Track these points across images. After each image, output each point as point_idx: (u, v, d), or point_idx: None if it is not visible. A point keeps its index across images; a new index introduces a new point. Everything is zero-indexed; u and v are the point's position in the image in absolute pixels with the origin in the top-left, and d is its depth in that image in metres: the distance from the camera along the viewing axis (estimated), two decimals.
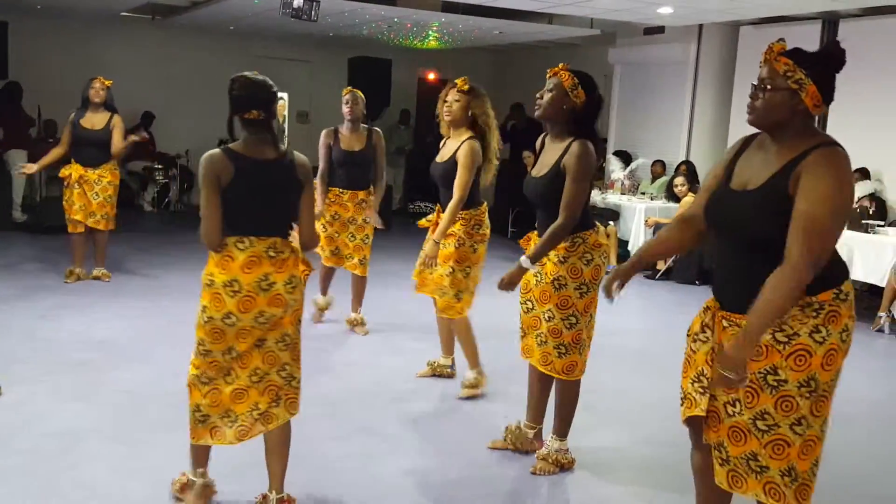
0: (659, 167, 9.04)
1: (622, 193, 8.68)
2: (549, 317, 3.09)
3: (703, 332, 2.27)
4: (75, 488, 2.95)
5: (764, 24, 8.25)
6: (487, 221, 4.04)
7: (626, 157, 9.28)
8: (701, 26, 8.74)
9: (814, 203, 1.99)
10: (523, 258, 3.04)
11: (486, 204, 4.07)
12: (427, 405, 4.01)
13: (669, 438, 2.42)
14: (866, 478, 3.41)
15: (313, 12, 6.68)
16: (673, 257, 7.67)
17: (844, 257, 6.82)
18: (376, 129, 5.06)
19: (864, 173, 7.34)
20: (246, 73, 2.62)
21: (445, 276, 3.94)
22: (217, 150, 2.56)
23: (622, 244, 8.08)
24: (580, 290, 3.07)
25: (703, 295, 2.34)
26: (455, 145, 3.94)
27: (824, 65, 2.10)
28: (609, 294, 2.50)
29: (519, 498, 3.07)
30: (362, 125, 4.99)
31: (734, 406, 2.16)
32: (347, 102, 4.94)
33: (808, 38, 7.81)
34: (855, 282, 6.81)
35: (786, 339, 2.08)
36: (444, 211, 4.02)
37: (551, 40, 10.35)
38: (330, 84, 11.36)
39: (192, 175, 10.96)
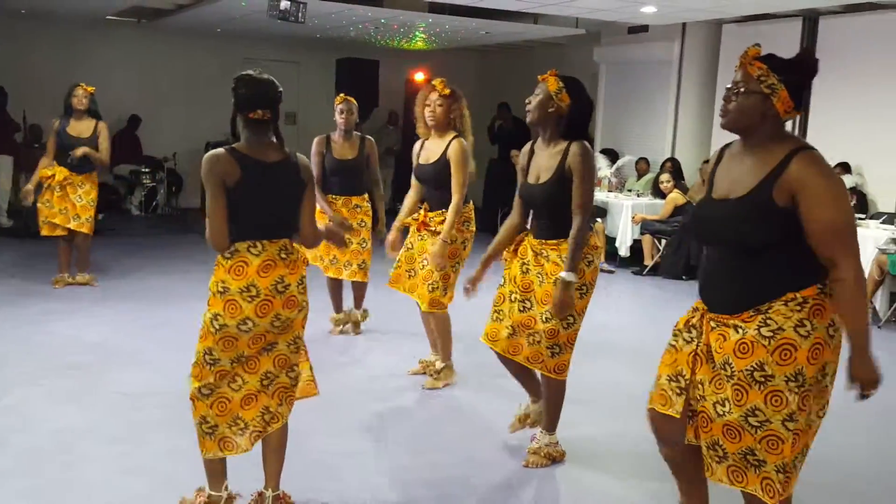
0: (644, 164, 9.14)
1: (609, 191, 8.77)
2: (546, 318, 3.12)
3: (689, 331, 2.31)
4: (73, 488, 2.98)
5: (746, 21, 8.36)
6: (473, 220, 4.12)
7: (612, 155, 9.37)
8: (684, 25, 8.84)
9: (831, 211, 2.07)
10: (564, 274, 3.00)
11: (472, 202, 4.15)
12: (418, 402, 4.06)
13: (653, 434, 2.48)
14: (852, 467, 3.48)
15: (300, 14, 6.72)
16: (660, 252, 7.77)
17: None
18: (368, 137, 5.05)
19: (845, 168, 7.46)
20: (251, 72, 2.57)
21: (437, 271, 3.99)
22: (221, 151, 2.50)
23: (610, 241, 8.16)
24: (581, 290, 3.12)
25: (690, 289, 2.41)
26: (440, 146, 4.00)
27: (797, 71, 2.17)
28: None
29: (512, 491, 3.12)
30: (355, 133, 4.99)
31: (724, 406, 2.20)
32: (342, 112, 4.90)
33: (789, 36, 7.93)
34: None
35: (770, 334, 2.12)
36: (431, 210, 4.08)
37: (537, 40, 10.44)
38: (318, 86, 11.41)
39: (180, 178, 10.95)
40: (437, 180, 4.02)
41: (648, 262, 7.87)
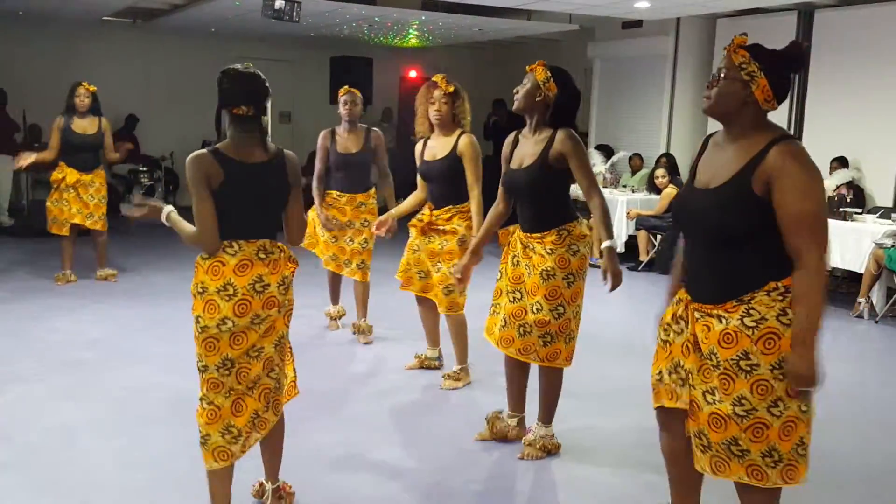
0: (637, 160, 9.17)
1: (604, 187, 8.79)
2: (536, 308, 3.16)
3: (677, 323, 2.34)
4: (75, 481, 3.02)
5: (740, 16, 8.39)
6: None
7: (607, 151, 9.40)
8: (678, 20, 8.87)
9: (802, 201, 2.08)
10: (608, 242, 3.05)
11: None
12: (415, 396, 4.10)
13: (652, 423, 2.50)
14: (848, 460, 3.51)
15: (295, 13, 6.74)
16: (655, 248, 7.81)
17: None
18: (375, 129, 4.89)
19: (842, 162, 7.48)
20: (237, 66, 2.51)
21: (451, 275, 3.98)
22: (204, 152, 2.44)
23: None
24: (567, 279, 3.17)
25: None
26: (448, 142, 3.99)
27: (780, 62, 2.19)
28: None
29: (507, 482, 3.17)
30: (361, 125, 4.86)
31: (713, 395, 2.23)
32: (346, 103, 4.79)
33: (784, 30, 7.96)
34: (835, 269, 6.98)
35: (754, 324, 2.14)
36: (437, 208, 4.07)
37: (531, 36, 10.46)
38: (312, 84, 11.44)
39: (177, 177, 10.98)
40: (445, 176, 4.00)
41: (644, 258, 7.91)
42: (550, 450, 3.34)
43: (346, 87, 4.90)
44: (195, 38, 10.93)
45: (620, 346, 5.13)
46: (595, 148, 9.54)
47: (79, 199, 6.14)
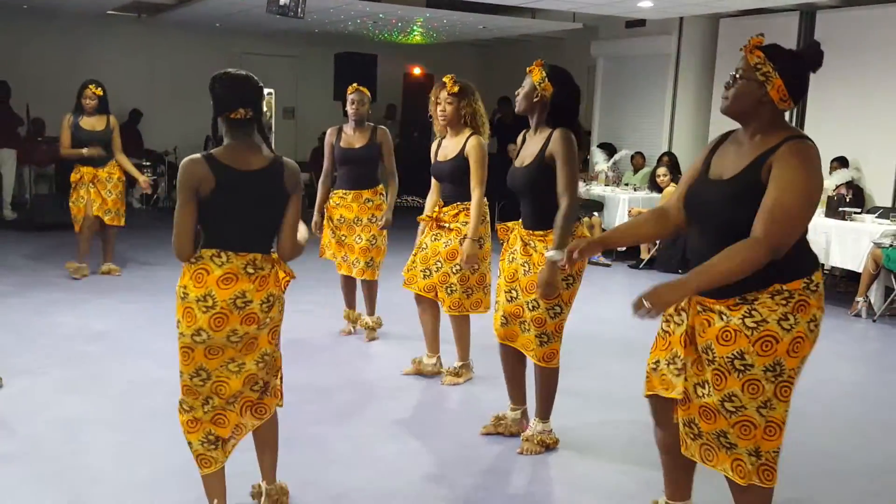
0: (639, 158, 9.20)
1: (606, 185, 8.83)
2: (532, 306, 3.20)
3: (679, 314, 2.36)
4: (79, 472, 3.06)
5: (743, 16, 8.40)
6: (488, 214, 4.10)
7: (610, 149, 9.43)
8: (681, 19, 8.88)
9: (782, 189, 2.10)
10: (550, 253, 3.01)
11: (485, 197, 4.13)
12: (416, 393, 4.14)
13: (651, 420, 2.55)
14: (846, 458, 3.54)
15: (299, 9, 6.76)
16: (657, 246, 7.83)
17: (822, 244, 6.98)
18: (382, 127, 4.81)
19: (842, 162, 7.51)
20: (228, 70, 2.46)
21: (452, 274, 4.01)
22: (198, 157, 2.38)
23: None
24: (567, 280, 3.19)
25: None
26: (458, 143, 4.01)
27: (796, 63, 2.22)
28: (569, 260, 2.47)
29: (505, 476, 3.20)
30: (368, 123, 4.80)
31: (703, 388, 2.27)
32: (353, 103, 4.72)
33: (787, 30, 7.98)
34: (833, 268, 7.00)
35: (754, 325, 2.16)
36: (447, 205, 4.10)
37: (535, 34, 10.48)
38: (316, 80, 11.47)
39: None
40: (452, 177, 4.03)
41: (645, 256, 7.94)
42: (549, 445, 3.38)
43: (354, 84, 4.84)
44: (200, 34, 10.97)
45: (620, 344, 5.16)
46: (598, 146, 9.58)
47: (98, 195, 6.24)
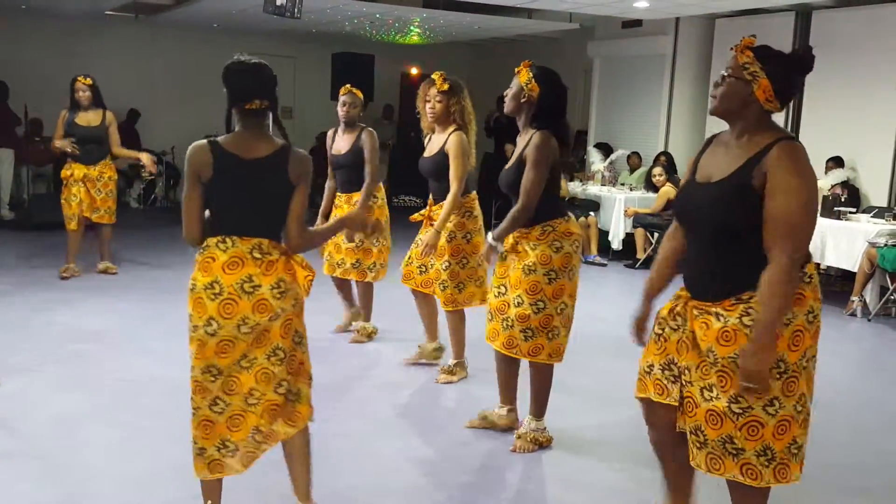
0: (635, 158, 9.22)
1: (602, 185, 8.85)
2: (518, 302, 3.23)
3: (675, 319, 2.36)
4: (75, 469, 3.08)
5: (739, 16, 8.43)
6: (478, 209, 4.14)
7: (606, 149, 9.44)
8: (678, 19, 8.91)
9: (787, 201, 2.11)
10: (488, 235, 3.29)
11: (475, 192, 4.16)
12: (413, 390, 4.16)
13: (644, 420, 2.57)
14: (839, 455, 3.56)
15: (296, 9, 6.78)
16: (652, 245, 7.86)
17: (817, 243, 6.98)
18: (368, 129, 4.73)
19: (837, 162, 7.53)
20: (239, 58, 2.40)
21: (443, 271, 4.05)
22: (202, 142, 2.38)
23: (602, 234, 8.25)
24: (549, 276, 3.21)
25: (681, 282, 2.46)
26: (442, 139, 4.05)
27: (785, 65, 2.22)
28: (640, 340, 2.54)
29: (498, 474, 3.23)
30: (359, 125, 4.75)
31: (711, 391, 2.25)
32: (344, 104, 4.68)
33: (782, 30, 8.00)
34: (829, 267, 7.03)
35: (752, 323, 2.16)
36: (435, 203, 4.14)
37: (532, 34, 10.50)
38: (313, 80, 11.48)
39: (178, 171, 11.03)
40: (434, 173, 4.08)
41: (641, 256, 7.96)
42: (542, 443, 3.40)
43: (347, 86, 4.81)
44: (197, 34, 10.98)
45: (617, 344, 5.16)
46: (594, 146, 9.60)
47: (87, 195, 6.21)
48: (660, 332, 2.42)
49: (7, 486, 2.94)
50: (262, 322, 2.37)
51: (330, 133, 4.88)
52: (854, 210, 6.88)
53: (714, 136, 2.41)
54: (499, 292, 3.31)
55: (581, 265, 3.34)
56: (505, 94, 3.27)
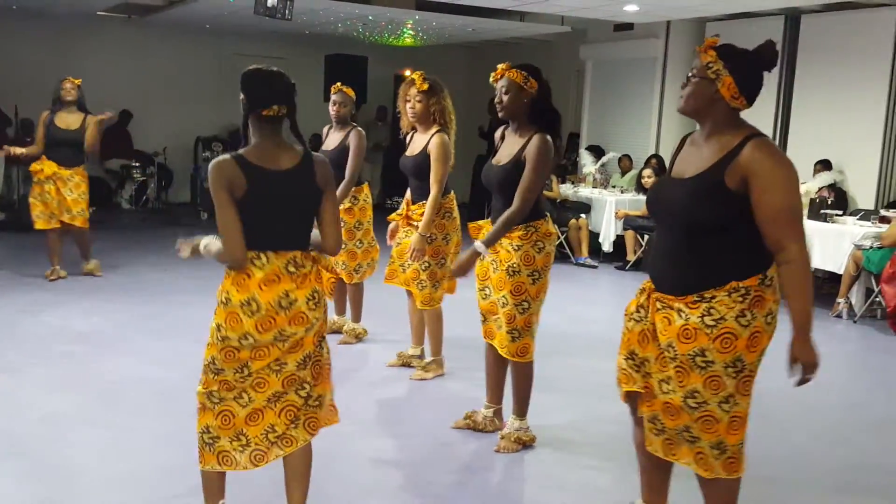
0: (626, 161, 9.26)
1: (594, 187, 8.88)
2: (503, 303, 3.25)
3: (638, 311, 2.42)
4: (61, 469, 3.10)
5: (729, 20, 8.48)
6: (457, 210, 4.18)
7: (598, 152, 9.48)
8: (668, 23, 8.96)
9: (783, 196, 2.17)
10: (477, 243, 3.16)
11: (452, 192, 4.19)
12: (396, 390, 4.19)
13: (630, 419, 2.59)
14: (824, 460, 3.59)
15: (287, 11, 6.79)
16: (643, 247, 7.89)
17: None
18: (357, 129, 4.70)
19: (825, 165, 7.58)
20: (258, 66, 2.39)
21: (422, 271, 4.08)
22: (227, 158, 2.29)
23: (593, 236, 8.28)
24: (532, 276, 3.23)
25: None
26: (424, 139, 4.08)
27: (748, 62, 2.26)
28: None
29: (481, 474, 3.25)
30: (352, 124, 4.73)
31: (668, 384, 2.32)
32: (335, 103, 4.68)
33: (771, 34, 7.95)
34: (816, 269, 7.08)
35: (713, 323, 2.22)
36: (414, 203, 4.18)
37: (524, 37, 10.53)
38: (307, 82, 11.42)
39: (170, 173, 11.04)
40: (416, 173, 4.11)
41: (631, 258, 8.00)
42: (526, 442, 3.42)
43: (337, 84, 4.79)
44: (190, 35, 10.98)
45: (604, 343, 5.17)
46: (586, 148, 9.64)
47: (58, 194, 6.08)
48: (627, 325, 2.48)
49: None
50: (300, 332, 2.38)
51: (325, 130, 4.89)
52: (841, 213, 6.93)
53: (688, 135, 2.45)
54: (484, 294, 3.34)
55: (552, 261, 3.33)
56: (496, 101, 3.21)
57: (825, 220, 6.66)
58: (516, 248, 3.23)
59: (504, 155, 3.29)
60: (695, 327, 2.25)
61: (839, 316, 6.26)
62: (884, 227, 6.21)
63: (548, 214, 3.33)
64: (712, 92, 2.26)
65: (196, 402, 2.46)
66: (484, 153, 10.23)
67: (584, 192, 8.65)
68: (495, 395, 3.56)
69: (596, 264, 8.08)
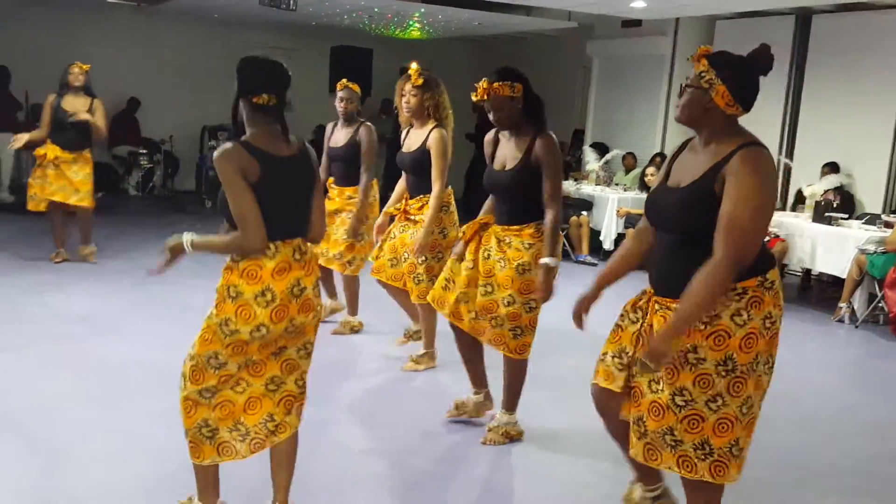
0: (630, 159, 9.22)
1: (597, 184, 8.86)
2: (508, 301, 3.24)
3: (635, 312, 2.43)
4: (52, 445, 3.14)
5: (739, 18, 8.43)
6: (454, 204, 4.17)
7: (602, 149, 9.44)
8: (678, 20, 8.91)
9: (735, 204, 2.15)
10: (546, 259, 3.14)
11: (450, 187, 4.19)
12: (385, 381, 4.21)
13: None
14: (824, 466, 3.56)
15: (292, 2, 6.80)
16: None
17: (807, 249, 6.97)
18: (367, 124, 4.71)
19: (833, 167, 7.52)
20: (257, 54, 2.39)
21: (419, 265, 4.09)
22: (234, 145, 2.27)
23: (594, 234, 8.25)
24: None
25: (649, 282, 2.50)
26: (421, 135, 4.08)
27: (740, 69, 2.25)
28: (580, 324, 2.65)
29: (467, 465, 3.26)
30: (359, 120, 4.74)
31: (658, 384, 2.31)
32: (341, 100, 4.68)
33: (782, 33, 8.00)
34: (822, 273, 7.04)
35: (707, 320, 2.22)
36: (411, 198, 4.18)
37: (531, 32, 10.50)
38: (312, 73, 11.47)
39: (177, 160, 11.09)
40: (414, 168, 4.12)
41: None
42: (513, 436, 3.43)
43: (343, 81, 4.78)
44: (198, 24, 11.02)
45: (601, 343, 5.20)
46: (590, 146, 9.60)
47: (62, 176, 6.08)
48: (620, 322, 2.49)
49: None
50: (307, 320, 2.41)
51: (329, 126, 4.89)
52: (847, 216, 6.87)
53: (688, 141, 2.45)
54: (486, 291, 3.31)
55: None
56: (491, 118, 3.20)
57: (829, 224, 6.61)
58: (527, 246, 3.22)
59: (508, 158, 3.27)
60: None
61: (841, 320, 6.20)
62: (888, 232, 6.16)
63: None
64: (706, 101, 2.25)
65: (179, 406, 2.40)
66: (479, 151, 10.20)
67: (587, 189, 8.62)
68: (478, 380, 3.57)
69: (596, 262, 8.06)
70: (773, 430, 3.76)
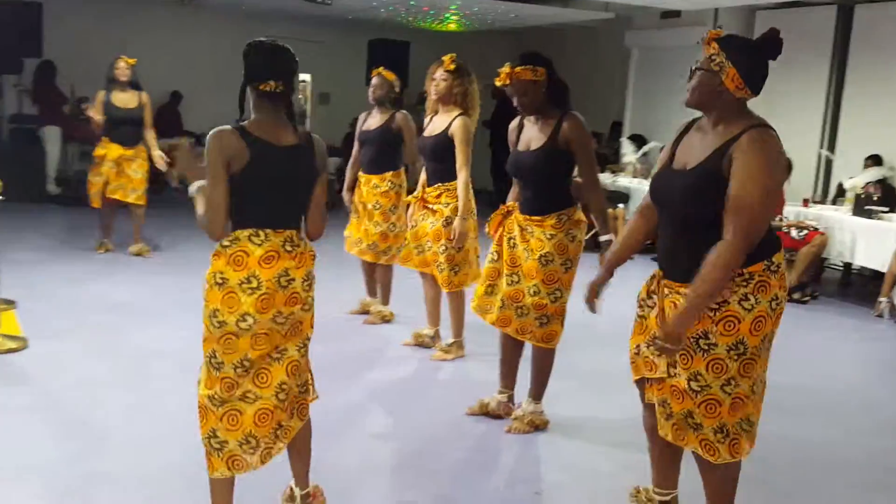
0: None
1: (634, 176, 8.79)
2: (534, 291, 3.27)
3: (650, 297, 2.46)
4: (90, 427, 3.28)
5: (779, 9, 8.26)
6: (471, 192, 4.14)
7: (640, 141, 9.35)
8: (717, 10, 8.76)
9: (743, 184, 2.16)
10: (606, 237, 3.21)
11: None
12: (409, 369, 4.27)
13: (640, 403, 2.62)
14: (832, 453, 3.55)
15: None
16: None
17: (847, 242, 6.82)
18: (402, 111, 4.72)
19: (876, 160, 7.34)
20: (263, 39, 2.33)
21: (440, 254, 4.13)
22: (228, 129, 2.24)
23: None
24: (565, 265, 3.26)
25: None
26: (445, 121, 4.10)
27: (750, 52, 2.26)
28: (593, 308, 2.69)
29: (491, 454, 3.30)
30: (392, 108, 4.75)
31: (675, 367, 2.35)
32: (372, 86, 4.74)
33: (823, 24, 7.82)
34: (863, 267, 6.88)
35: (716, 306, 2.25)
36: (429, 185, 4.20)
37: (568, 24, 10.43)
38: (350, 66, 11.58)
39: None
40: (433, 154, 4.12)
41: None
42: (538, 425, 3.46)
43: (378, 68, 4.84)
44: (237, 18, 11.18)
45: (620, 332, 5.18)
46: (628, 137, 9.52)
47: (122, 174, 6.28)
48: (641, 313, 2.50)
49: (26, 437, 3.15)
50: (296, 312, 2.35)
51: (362, 116, 4.93)
52: (888, 209, 6.71)
53: (692, 122, 2.44)
54: (511, 280, 3.33)
55: (581, 250, 3.36)
56: (515, 103, 3.22)
57: (870, 217, 6.47)
58: (549, 236, 3.24)
59: (533, 140, 3.27)
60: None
61: (880, 315, 6.08)
62: None
63: (578, 202, 3.33)
64: (716, 84, 2.25)
65: (196, 403, 2.39)
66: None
67: (623, 181, 8.56)
68: (509, 381, 3.59)
69: (632, 256, 8.00)
70: (799, 424, 3.73)
